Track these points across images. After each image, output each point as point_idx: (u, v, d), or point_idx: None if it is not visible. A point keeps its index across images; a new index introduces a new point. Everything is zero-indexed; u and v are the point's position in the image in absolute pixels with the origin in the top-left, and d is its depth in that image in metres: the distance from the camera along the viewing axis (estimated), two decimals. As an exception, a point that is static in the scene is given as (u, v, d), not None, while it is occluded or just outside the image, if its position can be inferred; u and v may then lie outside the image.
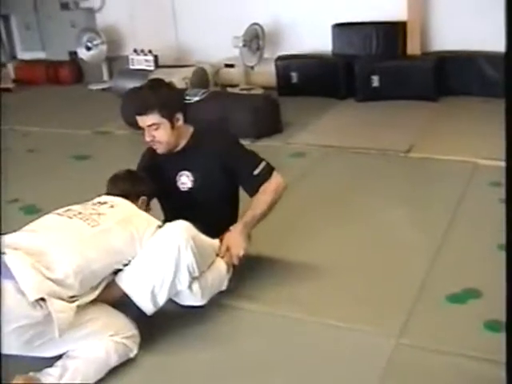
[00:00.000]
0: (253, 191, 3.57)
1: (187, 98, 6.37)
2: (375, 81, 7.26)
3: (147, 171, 3.69)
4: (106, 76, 9.56)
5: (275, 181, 3.55)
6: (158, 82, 3.66)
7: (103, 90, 9.18)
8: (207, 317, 3.36)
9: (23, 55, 10.69)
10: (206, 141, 3.61)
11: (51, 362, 2.89)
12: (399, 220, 4.29)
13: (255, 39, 8.10)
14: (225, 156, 3.55)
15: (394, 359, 2.95)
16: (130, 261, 3.07)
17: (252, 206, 3.54)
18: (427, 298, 3.39)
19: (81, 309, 2.88)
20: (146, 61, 8.37)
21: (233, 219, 3.69)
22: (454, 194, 4.60)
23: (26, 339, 2.73)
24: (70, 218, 3.06)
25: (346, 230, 4.23)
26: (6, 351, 2.77)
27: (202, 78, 8.04)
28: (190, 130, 3.64)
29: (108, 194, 3.40)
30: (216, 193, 3.61)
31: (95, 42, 9.25)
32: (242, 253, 3.42)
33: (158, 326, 3.24)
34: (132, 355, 3.05)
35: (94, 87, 9.38)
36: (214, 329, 3.31)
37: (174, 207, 3.72)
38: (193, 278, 3.10)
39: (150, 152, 3.67)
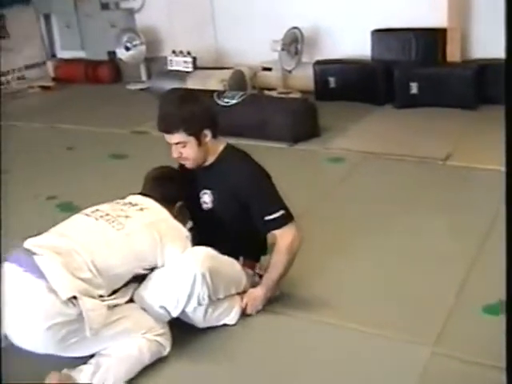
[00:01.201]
0: (262, 231, 3.52)
1: (225, 100, 6.38)
2: (414, 87, 7.19)
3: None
4: (144, 76, 9.57)
5: (289, 236, 3.35)
6: (185, 98, 3.54)
7: (141, 90, 9.21)
8: (241, 319, 3.39)
9: (63, 54, 10.76)
10: (231, 164, 3.45)
11: (85, 359, 2.92)
12: (436, 228, 4.27)
13: (294, 43, 8.09)
14: (242, 189, 3.37)
15: (429, 368, 2.95)
16: (151, 266, 3.09)
17: (269, 267, 3.46)
18: (463, 307, 3.37)
19: (112, 308, 2.92)
20: (185, 62, 8.37)
21: (257, 241, 3.64)
22: (492, 202, 4.54)
23: (61, 337, 2.77)
24: (97, 219, 3.08)
25: (382, 238, 4.22)
26: (42, 350, 2.84)
27: (239, 81, 8.03)
28: (222, 145, 3.50)
29: (144, 194, 3.37)
30: (233, 217, 3.48)
31: (134, 43, 9.27)
32: (254, 313, 3.44)
33: (191, 327, 3.26)
34: (165, 353, 3.07)
35: (132, 87, 9.41)
36: (247, 331, 3.34)
37: (198, 223, 3.65)
38: (200, 305, 3.11)
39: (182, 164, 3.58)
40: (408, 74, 7.29)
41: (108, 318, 2.87)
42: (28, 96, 9.70)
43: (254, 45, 8.38)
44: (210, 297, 3.10)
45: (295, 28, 8.05)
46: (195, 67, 8.34)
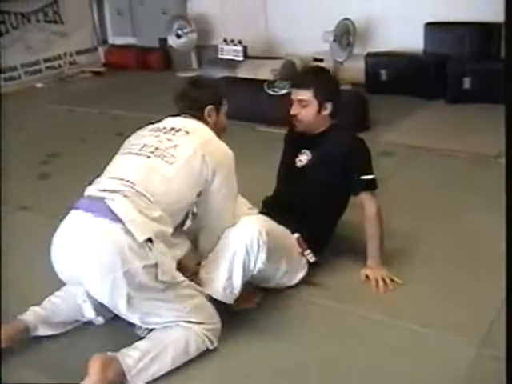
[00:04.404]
0: (352, 191, 3.70)
1: (275, 90, 6.36)
2: (466, 83, 7.07)
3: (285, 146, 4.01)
4: (194, 64, 9.61)
5: (375, 202, 3.63)
6: (325, 70, 3.94)
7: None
8: (289, 311, 3.41)
9: (114, 40, 10.85)
10: (339, 134, 3.73)
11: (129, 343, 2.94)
12: (487, 227, 4.18)
13: (346, 35, 8.00)
14: (350, 152, 3.64)
15: (473, 369, 2.91)
16: (201, 190, 3.11)
17: (368, 241, 3.68)
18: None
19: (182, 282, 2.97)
20: (235, 51, 8.38)
21: (330, 216, 3.79)
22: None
23: (135, 286, 2.76)
24: (149, 157, 3.06)
25: (431, 235, 4.18)
26: (111, 299, 2.86)
27: (290, 71, 7.98)
28: (331, 122, 3.76)
29: (178, 114, 3.38)
30: (324, 180, 3.67)
31: (185, 30, 9.29)
32: (386, 275, 3.61)
33: (240, 315, 3.30)
34: (211, 347, 3.06)
35: (182, 75, 9.40)
36: (293, 324, 3.33)
37: (285, 180, 3.88)
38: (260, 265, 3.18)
39: (289, 130, 3.95)
40: (461, 68, 7.17)
41: (177, 276, 2.93)
42: (79, 81, 9.81)
43: (305, 35, 8.33)
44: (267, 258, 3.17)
45: (347, 19, 7.97)
46: (246, 56, 8.35)
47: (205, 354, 3.04)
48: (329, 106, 3.66)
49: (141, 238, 2.73)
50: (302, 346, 3.15)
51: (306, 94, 3.62)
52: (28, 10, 9.50)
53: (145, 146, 3.13)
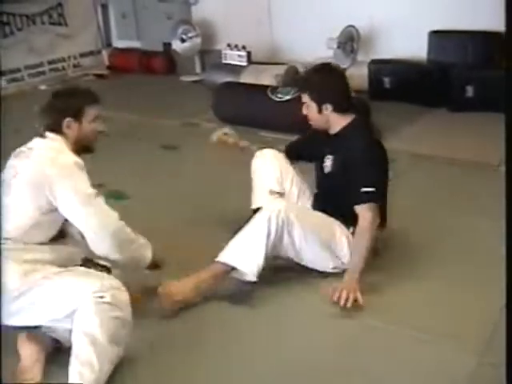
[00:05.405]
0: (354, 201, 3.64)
1: (279, 96, 6.37)
2: (469, 91, 7.09)
3: (310, 140, 4.08)
4: (198, 69, 9.62)
5: (369, 215, 3.53)
6: (325, 69, 3.91)
7: (194, 82, 9.25)
8: (289, 317, 3.43)
9: (118, 43, 10.85)
10: (352, 136, 3.70)
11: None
12: (487, 234, 4.19)
13: (350, 41, 8.02)
14: (354, 157, 3.60)
15: (475, 377, 2.91)
16: (50, 209, 3.08)
17: (352, 252, 3.60)
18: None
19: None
20: (239, 56, 8.37)
21: None
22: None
23: None
24: None
25: (432, 242, 4.19)
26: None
27: (293, 77, 7.99)
28: (349, 118, 3.74)
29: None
30: (344, 183, 3.67)
31: (190, 35, 9.30)
32: (353, 290, 3.37)
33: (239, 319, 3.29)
34: (106, 300, 2.82)
35: (185, 79, 9.45)
36: (291, 330, 3.35)
37: (319, 185, 4.03)
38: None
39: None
40: (464, 77, 7.20)
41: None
42: (82, 83, 9.77)
43: (309, 41, 8.33)
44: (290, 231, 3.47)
45: (351, 26, 7.99)
46: (249, 61, 8.33)
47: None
48: (329, 107, 3.67)
49: None
50: (302, 351, 3.16)
51: (305, 97, 3.74)
52: (33, 11, 9.49)
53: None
